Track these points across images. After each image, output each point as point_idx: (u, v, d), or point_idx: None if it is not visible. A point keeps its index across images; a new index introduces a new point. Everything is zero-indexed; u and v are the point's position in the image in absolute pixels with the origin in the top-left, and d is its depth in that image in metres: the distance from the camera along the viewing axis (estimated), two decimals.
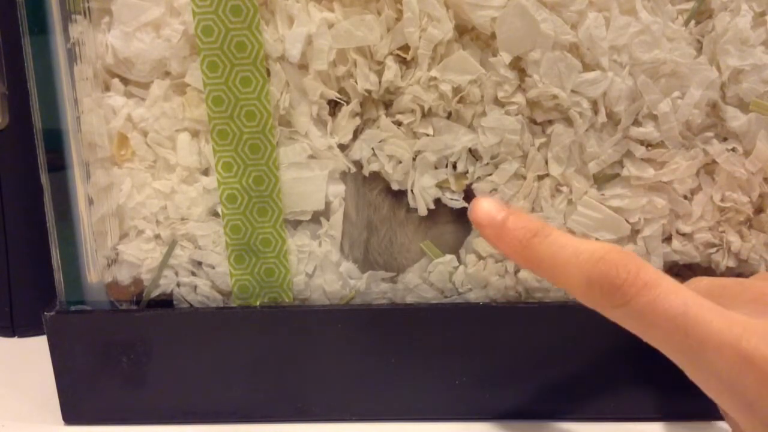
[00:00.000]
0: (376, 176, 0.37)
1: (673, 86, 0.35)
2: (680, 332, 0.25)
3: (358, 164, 0.37)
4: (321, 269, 0.38)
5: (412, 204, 0.37)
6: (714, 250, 0.37)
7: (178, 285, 0.38)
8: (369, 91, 0.35)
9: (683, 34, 0.34)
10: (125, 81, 0.37)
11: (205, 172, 0.37)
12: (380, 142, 0.36)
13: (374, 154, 0.36)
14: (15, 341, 0.48)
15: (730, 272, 0.37)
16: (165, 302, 0.39)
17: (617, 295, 0.26)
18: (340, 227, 0.37)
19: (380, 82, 0.35)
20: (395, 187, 0.37)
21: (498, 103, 0.35)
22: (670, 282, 0.26)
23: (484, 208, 0.31)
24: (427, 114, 0.36)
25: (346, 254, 0.38)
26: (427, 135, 0.36)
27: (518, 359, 0.37)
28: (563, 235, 0.29)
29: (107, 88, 0.37)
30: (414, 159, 0.36)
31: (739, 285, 0.28)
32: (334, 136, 0.36)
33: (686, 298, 0.25)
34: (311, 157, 0.36)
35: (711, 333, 0.24)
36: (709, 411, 0.33)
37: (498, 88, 0.35)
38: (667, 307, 0.25)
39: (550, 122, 0.36)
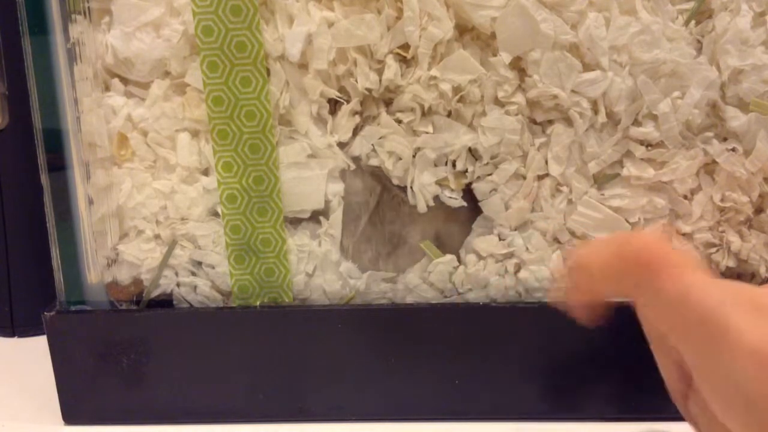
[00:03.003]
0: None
1: (673, 86, 0.35)
2: (707, 327, 0.24)
3: (358, 161, 0.37)
4: (321, 269, 0.38)
5: (411, 201, 0.37)
6: (714, 250, 0.37)
7: (178, 285, 0.38)
8: (369, 90, 0.35)
9: (683, 34, 0.34)
10: (125, 81, 0.37)
11: (205, 172, 0.37)
12: (380, 138, 0.36)
13: (374, 150, 0.36)
14: (15, 341, 0.48)
15: (730, 272, 0.37)
16: (165, 302, 0.39)
17: (650, 271, 0.25)
18: (340, 226, 0.37)
19: (380, 80, 0.35)
20: (395, 182, 0.37)
21: (498, 103, 0.35)
22: (706, 273, 0.25)
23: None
24: (426, 113, 0.36)
25: (345, 252, 0.38)
26: (427, 133, 0.36)
27: (518, 359, 0.37)
28: None
29: (107, 88, 0.37)
30: (414, 156, 0.36)
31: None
32: (334, 134, 0.36)
33: (723, 295, 0.24)
34: (311, 156, 0.36)
35: (742, 336, 0.23)
36: None
37: (498, 88, 0.35)
38: (702, 297, 0.24)
39: (550, 122, 0.36)
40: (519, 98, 0.35)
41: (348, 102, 0.36)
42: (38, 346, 0.45)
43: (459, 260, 0.38)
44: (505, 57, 0.34)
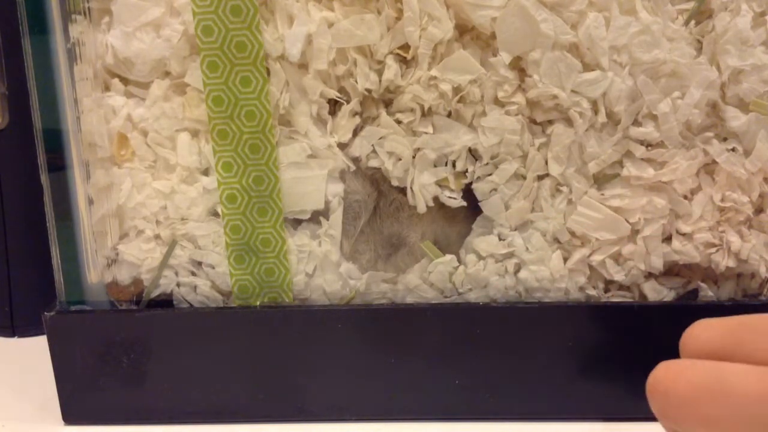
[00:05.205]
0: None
1: (673, 86, 0.35)
2: (716, 397, 0.24)
3: (358, 162, 0.37)
4: (321, 269, 0.38)
5: (411, 201, 0.37)
6: (714, 250, 0.37)
7: (178, 285, 0.38)
8: (369, 91, 0.35)
9: (683, 34, 0.34)
10: (125, 81, 0.37)
11: (205, 172, 0.37)
12: (380, 139, 0.36)
13: (374, 151, 0.36)
14: (15, 341, 0.48)
15: (730, 272, 0.37)
16: (165, 302, 0.39)
17: (654, 395, 0.26)
18: (340, 227, 0.37)
19: (380, 81, 0.35)
20: (395, 183, 0.37)
21: (498, 103, 0.35)
22: (694, 360, 0.26)
23: None
24: (426, 113, 0.36)
25: (344, 254, 0.38)
26: (427, 133, 0.36)
27: (518, 359, 0.37)
28: None
29: (107, 88, 0.37)
30: (414, 156, 0.36)
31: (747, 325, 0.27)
32: (333, 135, 0.36)
33: (713, 367, 0.25)
34: (311, 156, 0.36)
35: (747, 391, 0.24)
36: None
37: (498, 88, 0.35)
38: (698, 380, 0.25)
39: (550, 122, 0.36)
40: (519, 98, 0.35)
41: (348, 102, 0.36)
42: (38, 346, 0.45)
43: (459, 260, 0.38)
44: (505, 57, 0.34)
